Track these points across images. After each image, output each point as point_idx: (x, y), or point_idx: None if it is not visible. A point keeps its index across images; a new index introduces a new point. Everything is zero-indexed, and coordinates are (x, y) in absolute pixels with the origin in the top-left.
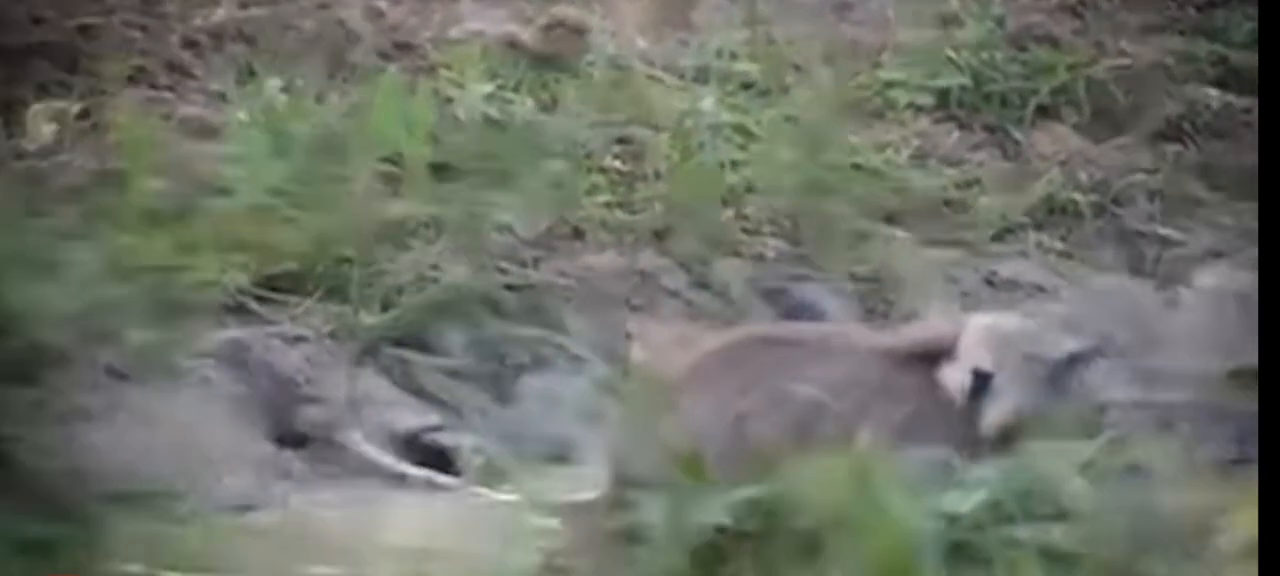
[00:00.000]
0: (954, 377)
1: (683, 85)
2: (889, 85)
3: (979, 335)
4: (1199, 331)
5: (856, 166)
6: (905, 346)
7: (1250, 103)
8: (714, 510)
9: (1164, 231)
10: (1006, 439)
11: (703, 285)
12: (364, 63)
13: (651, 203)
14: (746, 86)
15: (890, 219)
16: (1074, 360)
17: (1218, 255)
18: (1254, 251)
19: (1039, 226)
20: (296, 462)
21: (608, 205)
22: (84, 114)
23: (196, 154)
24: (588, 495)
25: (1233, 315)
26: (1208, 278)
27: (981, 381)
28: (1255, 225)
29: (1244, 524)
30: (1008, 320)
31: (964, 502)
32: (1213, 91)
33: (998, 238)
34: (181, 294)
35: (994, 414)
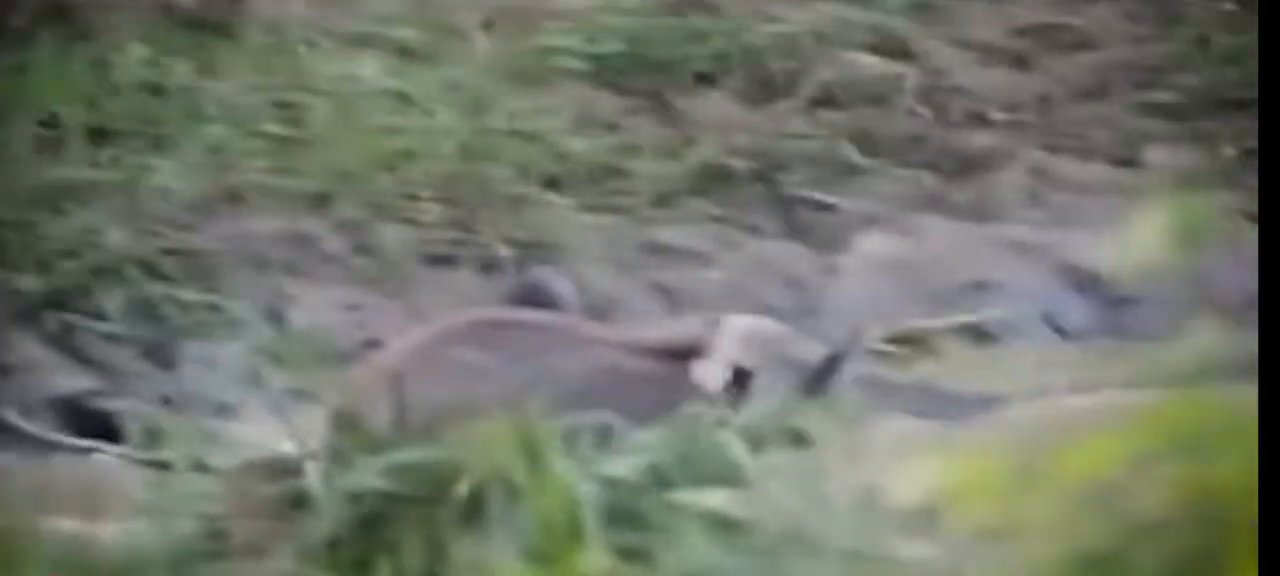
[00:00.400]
0: (710, 374)
1: (342, 49)
2: (548, 51)
3: (738, 335)
4: (857, 297)
5: (516, 132)
6: (657, 342)
7: (904, 70)
8: (373, 475)
9: (821, 197)
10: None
11: (363, 249)
12: (20, 25)
13: (311, 167)
14: (406, 51)
15: (549, 184)
16: (829, 363)
17: (874, 221)
18: (909, 218)
19: (697, 192)
20: None
21: (267, 170)
22: None
23: None
24: (248, 459)
25: (890, 281)
26: (865, 244)
27: (741, 378)
28: (911, 192)
29: (911, 489)
30: (765, 322)
31: (625, 467)
32: (869, 58)
33: (656, 204)
34: None
35: (750, 410)
